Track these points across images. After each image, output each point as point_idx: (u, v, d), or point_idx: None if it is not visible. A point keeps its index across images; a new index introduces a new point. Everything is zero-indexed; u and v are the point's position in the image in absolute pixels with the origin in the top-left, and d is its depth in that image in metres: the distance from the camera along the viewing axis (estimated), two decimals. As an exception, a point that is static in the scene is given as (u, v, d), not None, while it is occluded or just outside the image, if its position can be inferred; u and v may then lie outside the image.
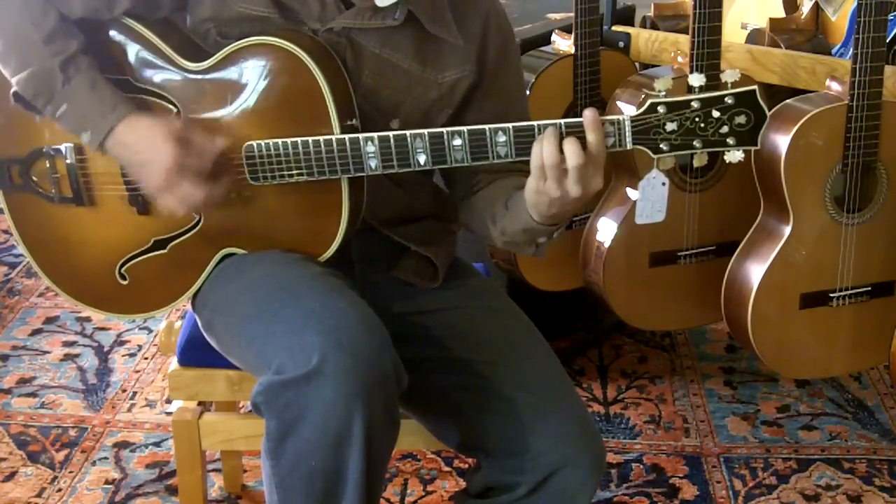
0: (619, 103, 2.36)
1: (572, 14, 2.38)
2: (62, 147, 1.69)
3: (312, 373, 1.42)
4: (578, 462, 1.61)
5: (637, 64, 2.62)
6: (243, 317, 1.61)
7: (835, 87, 2.25)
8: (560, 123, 1.49)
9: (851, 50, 2.17)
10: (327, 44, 1.62)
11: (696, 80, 1.48)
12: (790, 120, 2.18)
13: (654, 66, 2.56)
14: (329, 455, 1.46)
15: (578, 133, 1.48)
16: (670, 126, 1.48)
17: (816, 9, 2.97)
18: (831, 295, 2.31)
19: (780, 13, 3.05)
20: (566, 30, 2.46)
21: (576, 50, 2.40)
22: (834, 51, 2.92)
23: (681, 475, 2.34)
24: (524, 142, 1.51)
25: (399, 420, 1.55)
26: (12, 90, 1.64)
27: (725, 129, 1.47)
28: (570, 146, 1.47)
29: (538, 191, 1.52)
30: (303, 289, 1.55)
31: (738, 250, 2.33)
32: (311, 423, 1.44)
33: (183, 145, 1.56)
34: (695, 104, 1.47)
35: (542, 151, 1.48)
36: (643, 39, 2.62)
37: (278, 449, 1.48)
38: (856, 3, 2.22)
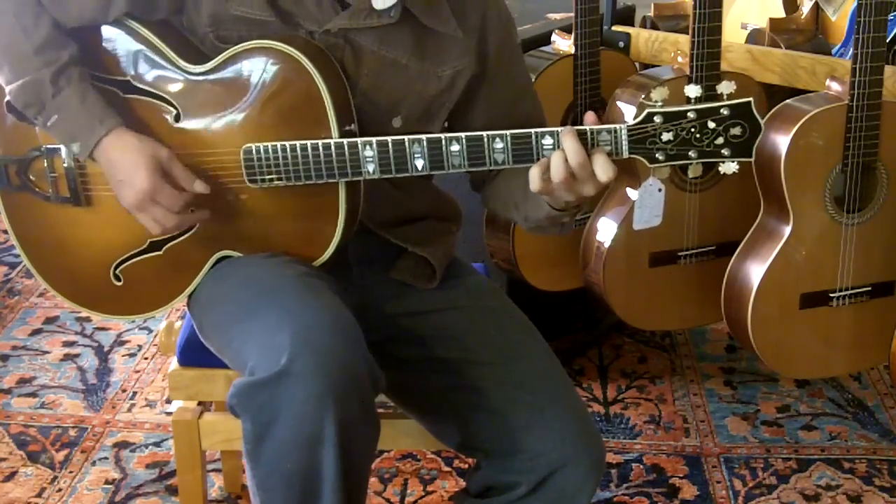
0: (618, 103, 2.36)
1: (572, 14, 2.38)
2: (60, 147, 1.68)
3: (282, 373, 1.42)
4: (578, 462, 1.60)
5: (637, 64, 2.62)
6: (226, 316, 1.61)
7: (835, 87, 2.25)
8: (556, 131, 1.51)
9: (851, 50, 2.17)
10: (325, 45, 1.62)
11: (693, 90, 1.48)
12: (790, 120, 2.18)
13: (654, 66, 2.55)
14: (304, 456, 1.45)
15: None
16: (666, 136, 1.48)
17: (816, 9, 2.97)
18: (831, 295, 2.31)
19: (780, 13, 3.05)
20: (566, 30, 2.46)
21: (576, 50, 2.40)
22: (834, 51, 2.92)
23: (681, 475, 2.34)
24: (522, 148, 1.52)
25: (378, 421, 1.54)
26: (5, 100, 1.64)
27: (721, 140, 1.47)
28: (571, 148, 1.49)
29: (546, 192, 1.54)
30: (283, 289, 1.55)
31: (738, 250, 2.33)
32: (284, 424, 1.43)
33: (162, 176, 1.58)
34: (691, 115, 1.47)
35: (569, 156, 1.49)
36: (643, 39, 2.62)
37: (256, 451, 1.48)
38: (856, 3, 2.22)
